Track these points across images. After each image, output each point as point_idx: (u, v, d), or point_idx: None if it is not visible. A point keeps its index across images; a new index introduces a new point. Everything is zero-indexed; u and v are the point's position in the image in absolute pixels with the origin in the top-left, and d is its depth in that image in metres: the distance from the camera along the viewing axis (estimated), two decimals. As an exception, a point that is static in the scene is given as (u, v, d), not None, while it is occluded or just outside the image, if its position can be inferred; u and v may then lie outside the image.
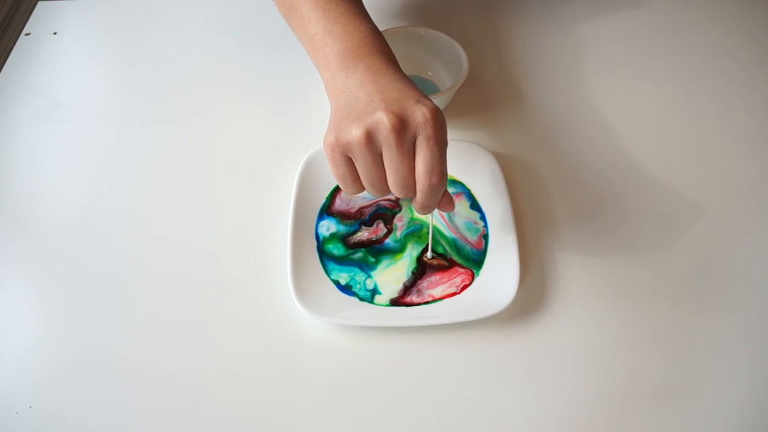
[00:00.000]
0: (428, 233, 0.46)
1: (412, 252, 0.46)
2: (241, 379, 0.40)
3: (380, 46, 0.39)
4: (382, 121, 0.33)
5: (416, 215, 0.48)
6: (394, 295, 0.43)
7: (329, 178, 0.48)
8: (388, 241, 0.46)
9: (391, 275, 0.44)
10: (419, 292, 0.43)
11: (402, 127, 0.33)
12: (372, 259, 0.45)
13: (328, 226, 0.47)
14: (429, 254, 0.45)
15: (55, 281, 0.45)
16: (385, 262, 0.45)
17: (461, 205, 0.48)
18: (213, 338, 0.42)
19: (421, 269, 0.45)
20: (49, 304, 0.44)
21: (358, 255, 0.45)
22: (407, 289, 0.44)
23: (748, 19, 0.64)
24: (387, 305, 0.43)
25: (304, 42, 0.42)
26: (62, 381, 0.41)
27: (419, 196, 0.35)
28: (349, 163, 0.35)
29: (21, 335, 0.43)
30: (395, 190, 0.36)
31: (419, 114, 0.33)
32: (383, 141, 0.34)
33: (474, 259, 0.45)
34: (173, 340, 0.42)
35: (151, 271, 0.46)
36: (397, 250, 0.46)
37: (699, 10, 0.65)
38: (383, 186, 0.36)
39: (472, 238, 0.46)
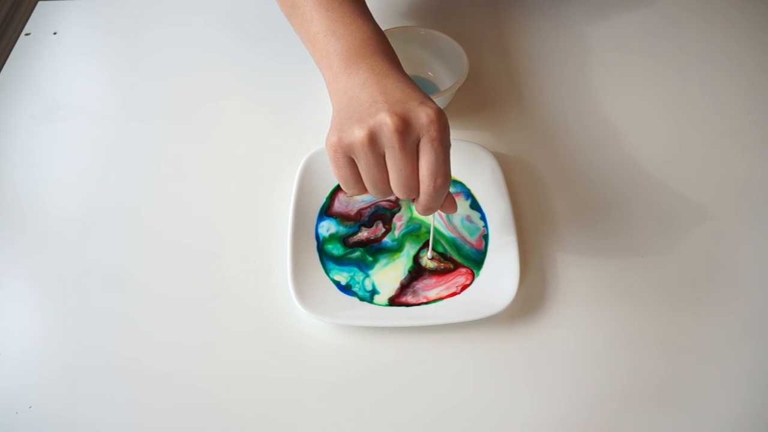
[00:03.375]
0: (428, 232, 0.46)
1: (409, 251, 0.46)
2: (242, 379, 0.40)
3: (383, 47, 0.39)
4: (386, 122, 0.33)
5: (415, 215, 0.48)
6: (392, 293, 0.43)
7: (329, 178, 0.48)
8: (386, 240, 0.46)
9: (389, 274, 0.44)
10: (414, 293, 0.43)
11: (405, 129, 0.33)
12: (370, 258, 0.45)
13: (328, 227, 0.47)
14: (429, 254, 0.45)
15: (55, 281, 0.45)
16: (382, 261, 0.45)
17: (461, 205, 0.48)
18: (213, 338, 0.42)
19: (417, 268, 0.45)
20: (49, 304, 0.44)
21: (356, 254, 0.45)
22: (404, 288, 0.44)
23: (749, 21, 0.64)
24: (386, 305, 0.43)
25: (306, 41, 0.42)
26: (62, 381, 0.41)
27: (422, 197, 0.35)
28: (352, 164, 0.35)
29: (21, 335, 0.43)
30: (398, 192, 0.35)
31: (423, 116, 0.33)
32: (386, 142, 0.33)
33: (474, 259, 0.45)
34: (173, 340, 0.42)
35: (151, 271, 0.46)
36: (395, 249, 0.46)
37: (700, 12, 0.65)
38: (385, 187, 0.36)
39: (472, 238, 0.46)
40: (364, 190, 0.37)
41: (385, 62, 0.37)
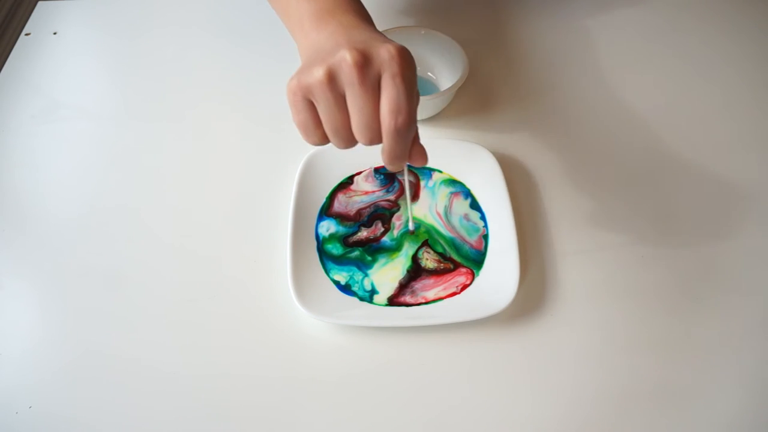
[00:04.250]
0: (426, 232, 0.46)
1: (408, 251, 0.46)
2: (242, 379, 0.40)
3: (355, 6, 0.38)
4: (345, 58, 0.31)
5: (415, 214, 0.48)
6: (391, 293, 0.43)
7: (329, 178, 0.48)
8: (385, 239, 0.46)
9: (388, 273, 0.44)
10: (413, 293, 0.43)
11: (365, 63, 0.31)
12: (369, 258, 0.45)
13: (328, 227, 0.47)
14: (411, 226, 0.45)
15: (55, 281, 0.45)
16: (381, 260, 0.45)
17: (461, 205, 0.48)
18: (213, 338, 0.42)
19: (416, 267, 0.45)
20: (49, 304, 0.44)
21: (355, 254, 0.45)
22: (402, 287, 0.44)
23: (747, 18, 0.64)
24: (386, 305, 0.43)
25: (281, 12, 0.41)
26: (62, 381, 0.41)
27: (385, 141, 0.33)
28: (311, 107, 0.33)
29: (21, 335, 0.43)
30: (359, 135, 0.33)
31: (384, 51, 0.32)
32: (345, 80, 0.32)
33: (474, 259, 0.45)
34: (173, 340, 0.42)
35: (151, 271, 0.46)
36: (394, 249, 0.46)
37: (700, 8, 0.65)
38: (347, 133, 0.34)
39: (472, 238, 0.46)
40: (325, 138, 0.35)
41: (356, 18, 0.36)
